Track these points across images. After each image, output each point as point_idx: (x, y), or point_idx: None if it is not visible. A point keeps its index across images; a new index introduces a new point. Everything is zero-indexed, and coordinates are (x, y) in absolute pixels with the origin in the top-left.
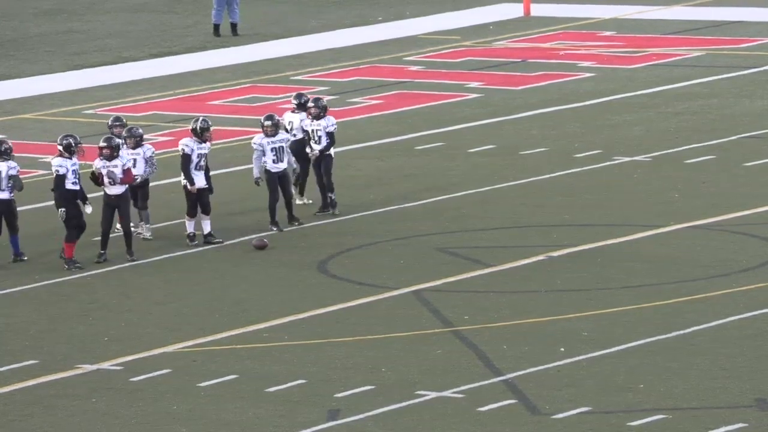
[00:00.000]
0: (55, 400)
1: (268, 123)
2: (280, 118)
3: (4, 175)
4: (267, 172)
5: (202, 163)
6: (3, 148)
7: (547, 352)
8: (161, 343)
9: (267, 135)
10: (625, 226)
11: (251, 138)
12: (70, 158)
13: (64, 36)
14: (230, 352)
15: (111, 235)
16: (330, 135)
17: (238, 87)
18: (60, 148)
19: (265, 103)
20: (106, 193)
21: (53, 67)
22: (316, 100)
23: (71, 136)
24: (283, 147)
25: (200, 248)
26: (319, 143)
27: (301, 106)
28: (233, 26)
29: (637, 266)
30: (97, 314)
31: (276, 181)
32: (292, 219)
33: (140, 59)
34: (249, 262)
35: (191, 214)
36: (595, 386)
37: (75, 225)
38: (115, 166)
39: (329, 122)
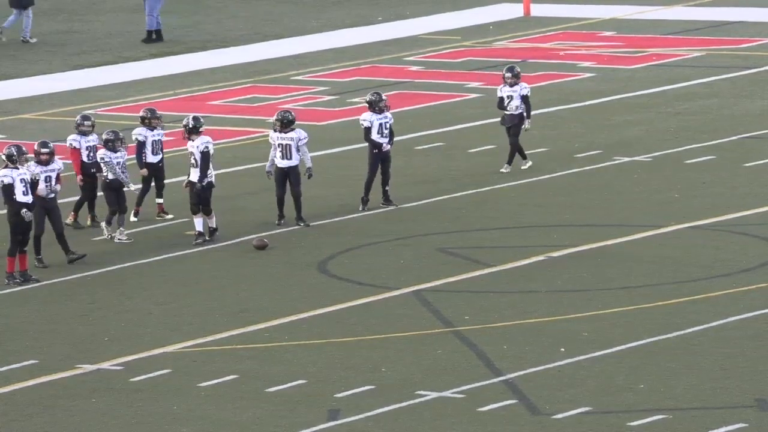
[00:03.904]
0: (55, 400)
1: (275, 118)
2: (285, 115)
3: None
4: (275, 166)
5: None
6: None
7: (547, 352)
8: (161, 343)
9: (275, 131)
10: (625, 226)
11: (251, 138)
12: (16, 168)
13: (64, 36)
14: (230, 352)
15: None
16: (391, 128)
17: (238, 87)
18: (3, 157)
19: (265, 103)
20: (40, 197)
21: (53, 67)
22: (380, 94)
23: (15, 146)
24: (290, 145)
25: (200, 248)
26: (388, 137)
27: (514, 77)
28: (156, 33)
29: (637, 266)
30: (97, 314)
31: (281, 177)
32: (299, 219)
33: (140, 59)
34: (249, 262)
35: (193, 211)
36: (595, 386)
37: (21, 240)
38: (53, 170)
39: (390, 117)
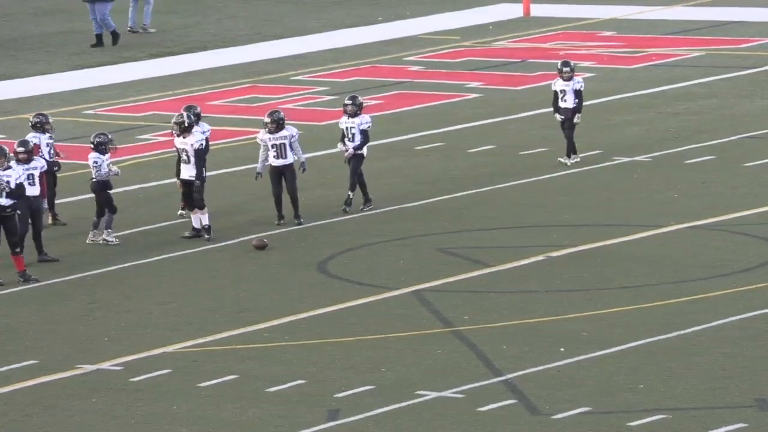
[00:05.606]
0: (55, 400)
1: (267, 120)
2: (283, 116)
3: None
4: (269, 165)
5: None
6: None
7: (547, 352)
8: (161, 343)
9: (269, 132)
10: (625, 226)
11: (252, 138)
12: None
13: (64, 36)
14: (230, 352)
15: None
16: (364, 133)
17: (238, 87)
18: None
19: (265, 103)
20: (27, 197)
21: (53, 67)
22: (353, 98)
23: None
24: (284, 144)
25: (200, 248)
26: (353, 140)
27: (571, 71)
28: (115, 36)
29: (637, 266)
30: (97, 314)
31: (275, 175)
32: (296, 217)
33: (140, 59)
34: (249, 262)
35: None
36: (595, 386)
37: (11, 242)
38: (35, 168)
39: (363, 120)
